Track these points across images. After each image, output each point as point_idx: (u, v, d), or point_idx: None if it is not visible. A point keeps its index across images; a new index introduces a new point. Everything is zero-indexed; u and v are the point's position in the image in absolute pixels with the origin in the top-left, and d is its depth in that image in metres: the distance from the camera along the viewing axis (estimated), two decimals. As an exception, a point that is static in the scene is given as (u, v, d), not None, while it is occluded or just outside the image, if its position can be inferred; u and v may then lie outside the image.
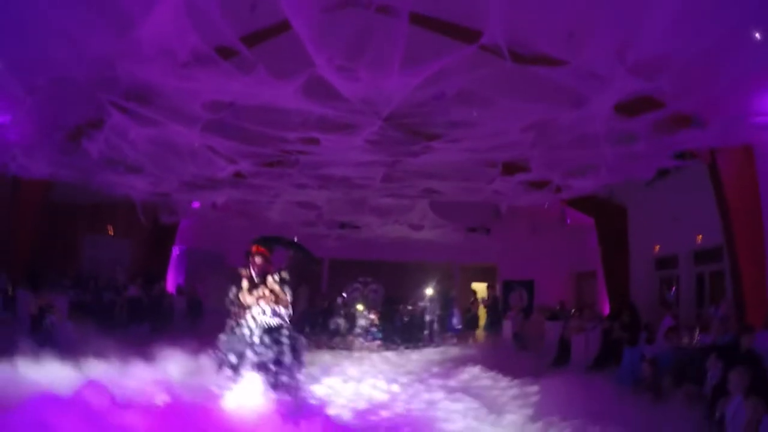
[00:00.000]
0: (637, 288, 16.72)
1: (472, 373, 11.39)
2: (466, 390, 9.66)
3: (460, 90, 9.46)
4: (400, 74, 8.52)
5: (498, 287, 21.92)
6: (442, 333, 18.45)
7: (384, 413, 8.23)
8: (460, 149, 11.56)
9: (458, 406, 8.46)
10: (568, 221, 19.59)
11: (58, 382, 7.51)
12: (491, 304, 20.85)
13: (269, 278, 7.76)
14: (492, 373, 11.13)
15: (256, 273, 7.85)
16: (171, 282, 19.13)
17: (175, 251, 19.78)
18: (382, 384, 10.12)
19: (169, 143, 11.52)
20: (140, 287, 16.64)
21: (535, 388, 9.62)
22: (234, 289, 7.82)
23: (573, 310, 17.04)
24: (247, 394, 7.05)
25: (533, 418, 7.70)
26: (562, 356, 13.61)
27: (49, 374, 8.21)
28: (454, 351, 16.05)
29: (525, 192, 13.96)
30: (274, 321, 7.74)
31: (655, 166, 12.09)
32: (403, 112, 10.07)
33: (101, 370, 8.91)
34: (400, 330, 18.30)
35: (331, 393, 9.26)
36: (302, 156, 12.11)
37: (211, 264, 19.57)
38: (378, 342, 17.26)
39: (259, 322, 7.68)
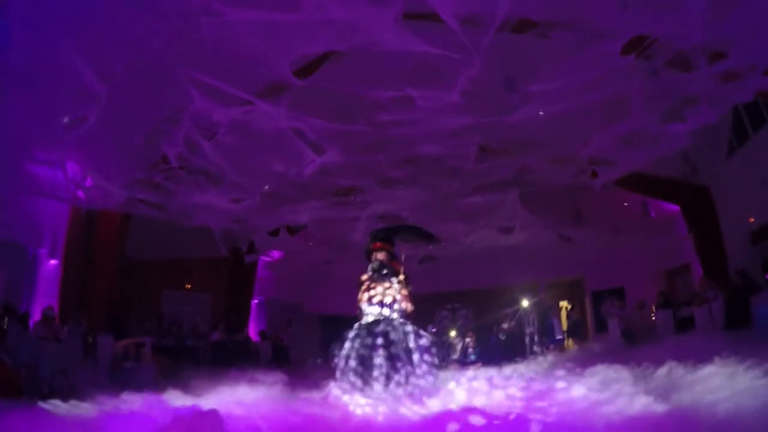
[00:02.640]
0: (737, 266, 14.54)
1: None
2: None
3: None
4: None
5: (587, 300, 19.78)
6: (544, 344, 16.11)
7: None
8: (558, 92, 9.90)
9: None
10: (653, 214, 17.55)
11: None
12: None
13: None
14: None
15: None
16: (253, 331, 17.21)
17: (254, 303, 17.96)
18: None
19: (253, 132, 10.07)
20: (223, 332, 14.87)
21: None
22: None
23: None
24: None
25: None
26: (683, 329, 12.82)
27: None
28: (572, 354, 13.63)
29: (623, 148, 12.05)
30: (391, 318, 6.12)
31: (754, 87, 10.34)
32: (500, 43, 8.54)
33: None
34: (498, 348, 16.09)
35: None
36: (394, 130, 10.48)
37: (290, 313, 17.95)
38: (478, 363, 15.02)
39: (374, 322, 6.11)
